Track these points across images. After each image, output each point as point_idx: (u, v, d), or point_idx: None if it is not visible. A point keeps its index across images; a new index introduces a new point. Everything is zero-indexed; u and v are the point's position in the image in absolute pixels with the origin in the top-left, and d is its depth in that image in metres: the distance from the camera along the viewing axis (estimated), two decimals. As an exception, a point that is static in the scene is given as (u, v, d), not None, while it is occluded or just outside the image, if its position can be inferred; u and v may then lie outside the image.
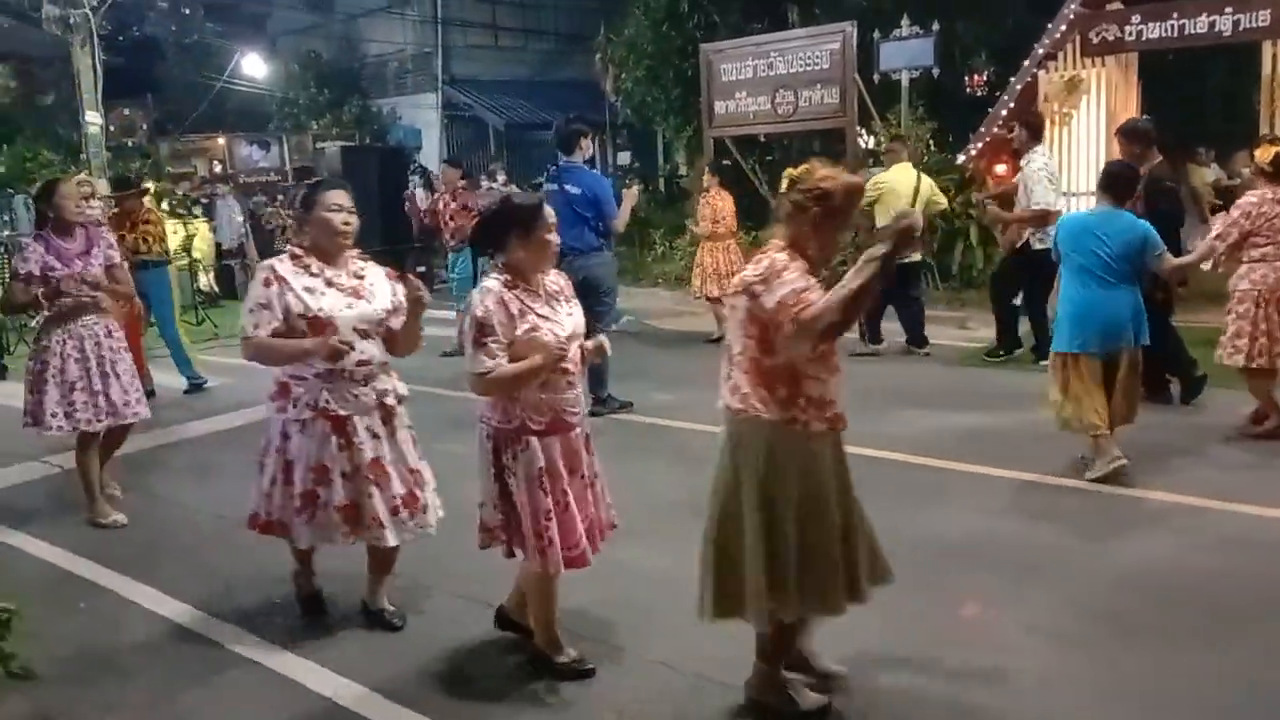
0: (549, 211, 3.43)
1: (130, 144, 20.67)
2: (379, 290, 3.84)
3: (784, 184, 3.03)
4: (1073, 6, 10.11)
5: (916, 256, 8.70)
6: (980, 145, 11.36)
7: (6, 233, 14.73)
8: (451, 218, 9.84)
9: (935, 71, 12.09)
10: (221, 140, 20.32)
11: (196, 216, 15.47)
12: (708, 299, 9.97)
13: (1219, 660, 3.51)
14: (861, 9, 13.36)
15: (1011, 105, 11.06)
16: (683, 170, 19.15)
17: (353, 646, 3.87)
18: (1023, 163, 8.06)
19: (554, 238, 3.44)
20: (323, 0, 23.98)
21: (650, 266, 14.89)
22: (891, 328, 8.96)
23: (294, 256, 3.76)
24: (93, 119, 14.01)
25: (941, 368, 8.37)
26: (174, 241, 13.77)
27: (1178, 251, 6.03)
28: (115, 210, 8.63)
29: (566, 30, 24.72)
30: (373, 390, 3.79)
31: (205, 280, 14.37)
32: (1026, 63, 10.92)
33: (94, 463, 5.41)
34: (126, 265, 6.07)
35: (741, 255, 10.25)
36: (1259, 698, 3.28)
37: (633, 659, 3.64)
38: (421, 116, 24.06)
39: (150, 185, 11.53)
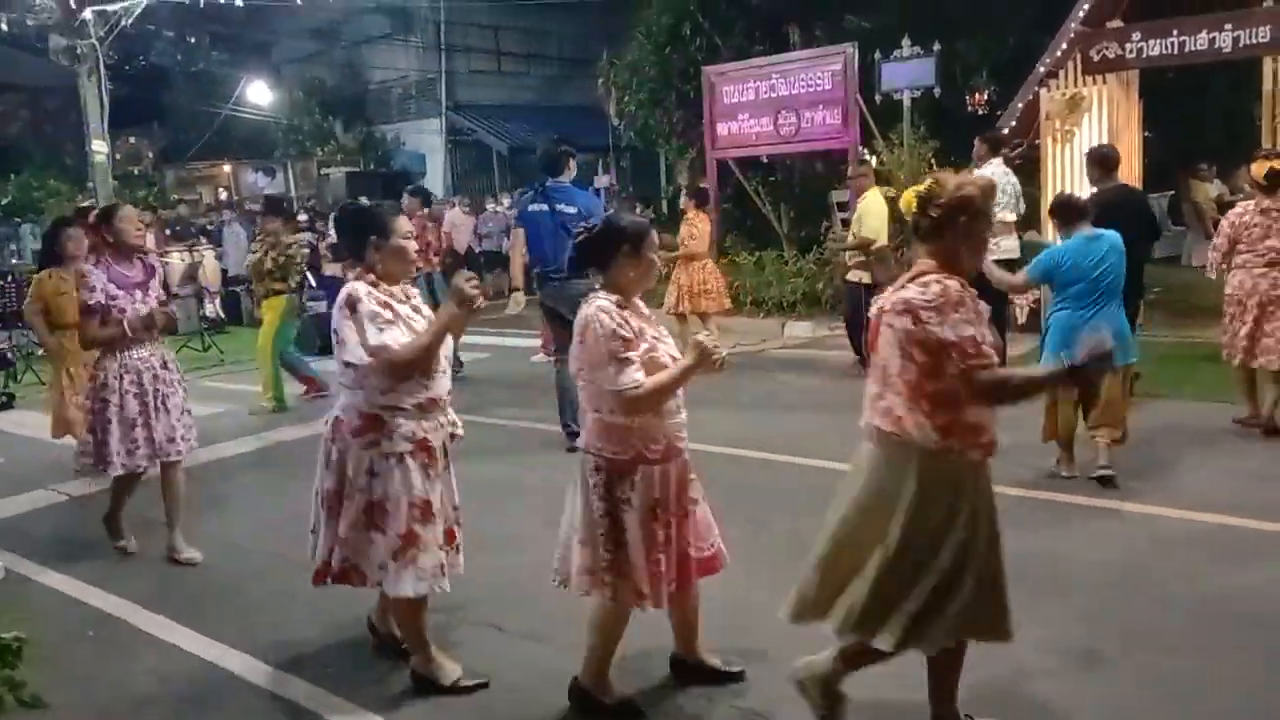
0: (654, 231, 3.33)
1: (136, 172, 20.87)
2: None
3: (912, 204, 2.93)
4: (1073, 25, 10.15)
5: (867, 279, 8.76)
6: (983, 164, 11.38)
7: (14, 261, 14.83)
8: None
9: (937, 91, 12.13)
10: (227, 167, 20.52)
11: (201, 243, 15.57)
12: (677, 315, 10.15)
13: (1225, 669, 3.53)
14: (862, 30, 13.42)
15: (1014, 123, 11.09)
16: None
17: (376, 679, 3.85)
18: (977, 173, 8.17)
19: (658, 259, 3.35)
20: (327, 28, 24.17)
21: (653, 290, 14.92)
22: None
23: (372, 284, 3.50)
24: (99, 148, 14.14)
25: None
26: (179, 269, 13.89)
27: None
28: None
29: (569, 55, 24.88)
30: (446, 421, 3.65)
31: (211, 307, 14.43)
32: (1028, 81, 10.95)
33: (127, 496, 5.26)
34: None
35: (718, 274, 10.38)
36: (1259, 701, 3.33)
37: (645, 681, 3.60)
38: (425, 141, 24.22)
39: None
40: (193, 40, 21.39)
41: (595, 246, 3.29)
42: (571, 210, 6.87)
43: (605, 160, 21.03)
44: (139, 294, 4.95)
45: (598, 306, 3.18)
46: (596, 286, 3.32)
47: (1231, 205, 13.06)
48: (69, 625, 4.45)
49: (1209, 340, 8.35)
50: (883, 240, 8.70)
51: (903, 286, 2.90)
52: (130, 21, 13.68)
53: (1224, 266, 6.53)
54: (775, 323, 11.78)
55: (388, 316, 3.39)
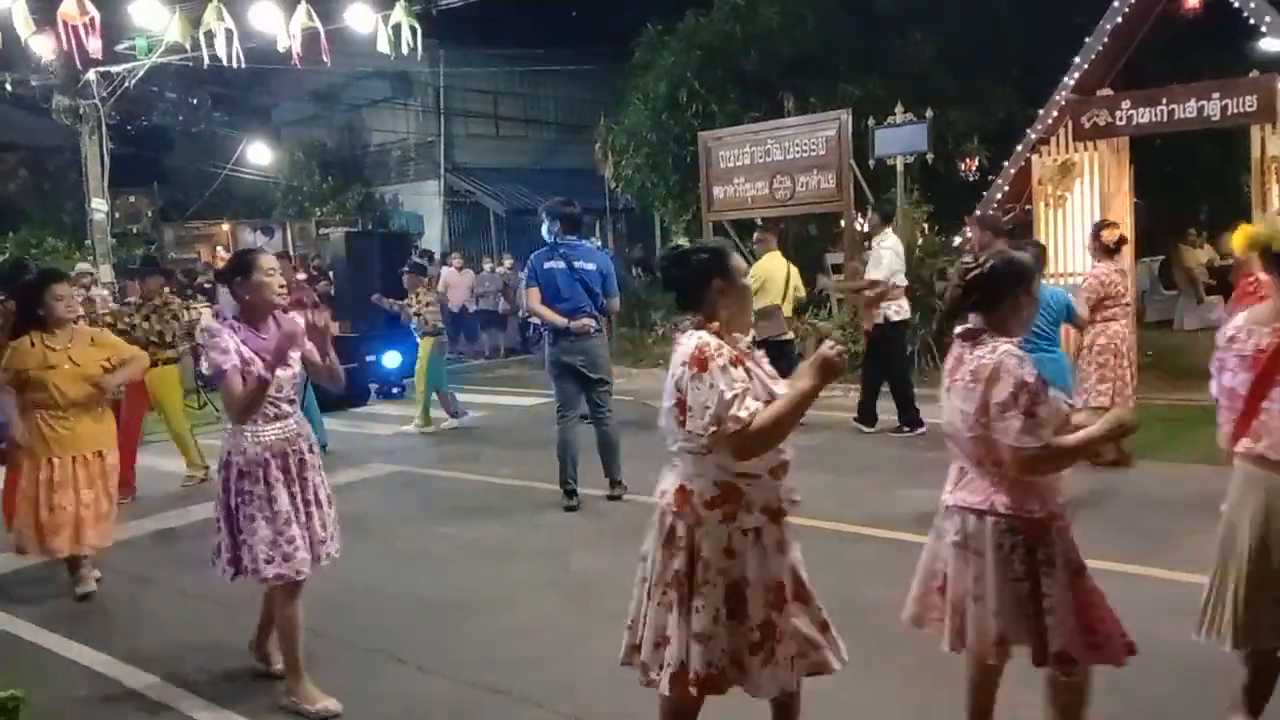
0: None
1: (135, 230, 20.97)
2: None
3: (1266, 242, 3.13)
4: (1064, 93, 10.35)
5: (789, 335, 9.48)
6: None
7: (9, 318, 14.82)
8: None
9: (930, 157, 12.31)
10: (226, 226, 20.63)
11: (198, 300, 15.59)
12: None
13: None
14: (856, 97, 13.64)
15: (1006, 189, 11.24)
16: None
17: None
18: (874, 242, 9.11)
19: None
20: (328, 91, 24.50)
21: (651, 348, 14.95)
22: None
23: (716, 334, 2.97)
24: (98, 206, 14.24)
25: (937, 444, 8.38)
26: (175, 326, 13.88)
27: None
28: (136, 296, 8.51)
29: (566, 120, 25.22)
30: (788, 488, 3.11)
31: (206, 364, 14.41)
32: (1019, 147, 11.12)
33: (299, 616, 4.04)
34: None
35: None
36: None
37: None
38: (424, 203, 24.43)
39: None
40: (194, 102, 21.61)
41: (988, 286, 3.05)
42: (590, 267, 6.99)
43: (602, 223, 21.23)
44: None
45: (1008, 352, 2.93)
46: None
47: (1225, 269, 13.18)
48: (59, 684, 4.37)
49: (1203, 403, 8.38)
50: (769, 300, 9.18)
51: None
52: (133, 83, 13.85)
53: (1093, 318, 7.03)
54: (771, 383, 11.80)
55: (742, 377, 2.87)
